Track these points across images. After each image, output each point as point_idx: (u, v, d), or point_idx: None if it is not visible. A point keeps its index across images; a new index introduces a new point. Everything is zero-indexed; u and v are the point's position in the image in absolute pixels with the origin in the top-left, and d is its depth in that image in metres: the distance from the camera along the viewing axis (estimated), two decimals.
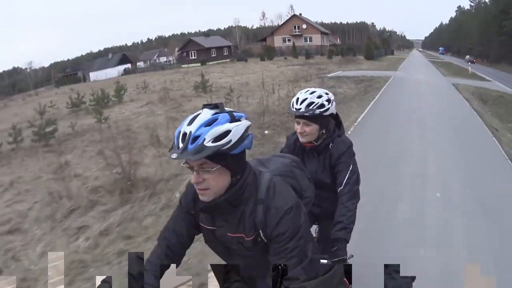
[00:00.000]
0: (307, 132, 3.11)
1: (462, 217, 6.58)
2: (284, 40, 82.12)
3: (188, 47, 78.96)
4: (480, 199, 7.24)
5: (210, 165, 1.79)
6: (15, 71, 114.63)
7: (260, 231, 1.99)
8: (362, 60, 53.64)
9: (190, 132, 1.74)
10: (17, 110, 34.20)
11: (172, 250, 2.20)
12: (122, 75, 66.14)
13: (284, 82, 26.25)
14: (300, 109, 3.05)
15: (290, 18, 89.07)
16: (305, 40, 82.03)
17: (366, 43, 66.84)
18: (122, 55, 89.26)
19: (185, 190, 2.20)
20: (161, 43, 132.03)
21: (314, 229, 3.50)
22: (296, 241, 1.92)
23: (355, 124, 13.65)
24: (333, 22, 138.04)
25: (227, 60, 74.01)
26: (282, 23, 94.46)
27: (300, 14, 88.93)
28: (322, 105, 3.05)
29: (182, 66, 66.02)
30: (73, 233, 6.89)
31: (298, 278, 1.65)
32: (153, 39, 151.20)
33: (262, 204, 1.97)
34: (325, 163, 3.22)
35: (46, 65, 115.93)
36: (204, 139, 1.72)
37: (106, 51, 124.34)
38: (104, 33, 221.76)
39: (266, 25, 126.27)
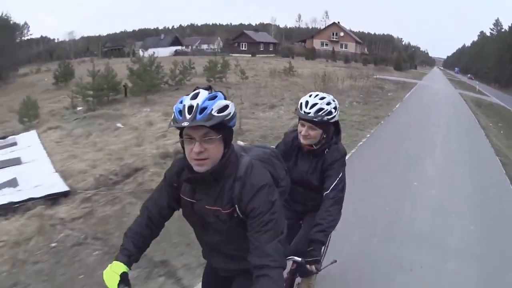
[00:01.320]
0: (311, 136, 3.18)
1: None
2: (322, 44, 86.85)
3: (240, 39, 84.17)
4: (458, 134, 16.66)
5: (213, 134, 1.99)
6: (43, 40, 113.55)
7: (236, 206, 2.14)
8: (392, 70, 60.59)
9: (197, 104, 1.95)
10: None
11: (152, 221, 2.42)
12: (173, 55, 65.07)
13: (341, 77, 30.19)
14: (309, 113, 3.09)
15: (329, 25, 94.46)
16: (341, 46, 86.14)
17: (396, 56, 75.86)
18: (174, 37, 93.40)
19: (171, 164, 2.37)
20: (194, 31, 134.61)
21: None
22: (270, 215, 2.06)
23: (403, 99, 25.02)
24: (361, 31, 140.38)
25: (273, 55, 76.27)
26: (322, 28, 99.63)
27: (338, 22, 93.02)
28: (330, 112, 3.13)
29: (231, 54, 65.69)
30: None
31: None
32: (185, 26, 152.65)
33: (239, 181, 2.12)
34: (317, 166, 3.29)
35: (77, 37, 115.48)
36: (212, 109, 1.95)
37: (156, 31, 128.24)
38: (134, 14, 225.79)
39: (301, 27, 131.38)
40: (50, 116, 19.46)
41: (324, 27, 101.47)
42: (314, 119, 3.09)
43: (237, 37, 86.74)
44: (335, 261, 3.55)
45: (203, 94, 2.00)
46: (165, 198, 2.38)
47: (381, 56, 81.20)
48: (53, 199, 7.92)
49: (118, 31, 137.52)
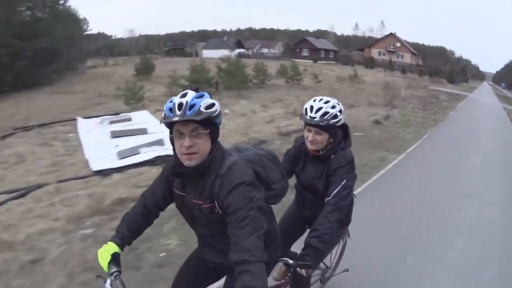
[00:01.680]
0: (318, 141, 3.16)
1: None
2: (379, 54, 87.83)
3: (301, 45, 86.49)
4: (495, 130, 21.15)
5: (202, 129, 2.14)
6: (100, 36, 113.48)
7: (216, 202, 2.22)
8: (445, 82, 62.84)
9: (187, 101, 2.11)
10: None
11: (147, 209, 2.60)
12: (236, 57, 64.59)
13: (401, 87, 34.01)
14: (315, 117, 3.09)
15: (386, 35, 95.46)
16: (397, 56, 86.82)
17: (449, 69, 77.64)
18: (237, 39, 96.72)
19: (170, 160, 2.46)
20: (252, 34, 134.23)
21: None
22: (246, 211, 2.10)
23: (455, 108, 29.04)
24: (415, 42, 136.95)
25: (333, 62, 77.42)
26: (378, 37, 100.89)
27: (395, 33, 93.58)
28: (335, 116, 3.11)
29: (293, 60, 63.47)
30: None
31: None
32: (244, 29, 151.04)
33: (220, 178, 2.21)
34: (322, 172, 3.26)
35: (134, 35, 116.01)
36: (200, 105, 2.11)
37: (215, 33, 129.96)
38: (192, 15, 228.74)
39: (358, 35, 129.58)
40: (149, 101, 21.38)
41: (380, 36, 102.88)
42: (320, 123, 3.09)
43: (298, 43, 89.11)
44: (347, 270, 3.76)
45: (191, 93, 2.19)
46: (161, 190, 2.56)
47: (435, 68, 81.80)
48: None
49: (176, 31, 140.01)
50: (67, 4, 41.00)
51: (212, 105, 2.18)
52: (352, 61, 78.87)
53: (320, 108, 3.10)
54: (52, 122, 16.33)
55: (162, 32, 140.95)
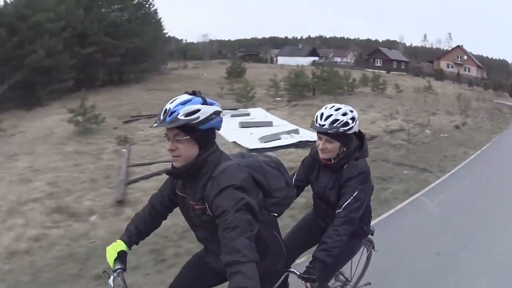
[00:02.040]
0: (328, 149, 3.09)
1: None
2: (447, 66, 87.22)
3: (375, 55, 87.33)
4: None
5: (181, 135, 2.22)
6: (172, 39, 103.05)
7: (206, 204, 2.25)
8: (507, 96, 61.16)
9: (169, 108, 2.20)
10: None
11: (155, 209, 2.70)
12: (311, 65, 58.93)
13: (470, 98, 36.31)
14: (324, 125, 3.02)
15: (454, 48, 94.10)
16: (464, 69, 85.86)
17: (511, 83, 75.67)
18: (312, 48, 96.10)
19: None
20: (323, 43, 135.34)
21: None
22: (234, 213, 2.09)
23: None
24: (480, 54, 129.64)
25: (404, 73, 78.72)
26: (445, 49, 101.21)
27: (462, 45, 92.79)
28: (346, 123, 3.02)
29: (366, 69, 64.45)
30: None
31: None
32: (314, 37, 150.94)
33: (212, 181, 2.24)
34: (335, 182, 3.17)
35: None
36: (178, 113, 2.17)
37: (286, 40, 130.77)
38: (258, 22, 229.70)
39: (426, 47, 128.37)
40: (255, 100, 23.64)
41: (447, 48, 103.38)
42: (329, 131, 3.01)
43: (372, 53, 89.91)
44: (369, 284, 3.96)
45: (180, 98, 2.25)
46: (167, 190, 2.66)
47: (498, 81, 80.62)
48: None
49: (248, 37, 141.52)
50: (154, 8, 43.61)
51: (194, 112, 2.21)
52: (422, 73, 79.51)
53: (330, 115, 3.04)
54: None
55: (232, 37, 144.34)
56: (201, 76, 44.47)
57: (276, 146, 12.77)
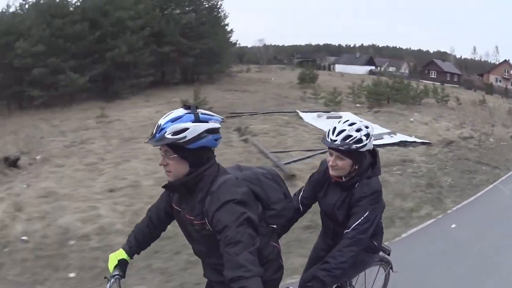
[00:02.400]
0: (338, 166, 2.91)
1: None
2: (496, 80, 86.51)
3: (429, 67, 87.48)
4: None
5: (170, 153, 2.18)
6: (235, 43, 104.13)
7: (206, 219, 2.19)
8: None
9: (160, 124, 2.15)
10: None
11: (152, 221, 2.67)
12: (368, 74, 65.37)
13: None
14: (335, 141, 2.83)
15: (501, 62, 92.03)
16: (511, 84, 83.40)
17: None
18: (369, 57, 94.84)
19: None
20: (377, 51, 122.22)
21: None
22: (236, 228, 2.05)
23: None
24: None
25: (457, 86, 75.55)
26: (493, 62, 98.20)
27: (509, 60, 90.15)
28: (359, 140, 2.83)
29: (421, 80, 62.79)
30: None
31: None
32: (367, 45, 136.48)
33: (211, 196, 2.18)
34: (344, 201, 3.01)
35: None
36: (166, 131, 2.11)
37: (339, 48, 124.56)
38: (316, 29, 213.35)
39: (475, 59, 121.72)
40: (340, 105, 24.32)
41: (494, 62, 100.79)
42: (341, 147, 2.82)
43: (427, 65, 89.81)
44: None
45: (172, 115, 2.18)
46: (163, 203, 2.63)
47: None
48: (416, 144, 14.20)
49: (302, 44, 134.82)
50: (224, 11, 43.65)
51: (181, 131, 2.13)
52: (473, 86, 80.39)
53: (343, 131, 2.84)
54: (273, 112, 19.78)
55: (286, 43, 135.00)
56: (270, 80, 44.39)
57: (382, 144, 13.49)
